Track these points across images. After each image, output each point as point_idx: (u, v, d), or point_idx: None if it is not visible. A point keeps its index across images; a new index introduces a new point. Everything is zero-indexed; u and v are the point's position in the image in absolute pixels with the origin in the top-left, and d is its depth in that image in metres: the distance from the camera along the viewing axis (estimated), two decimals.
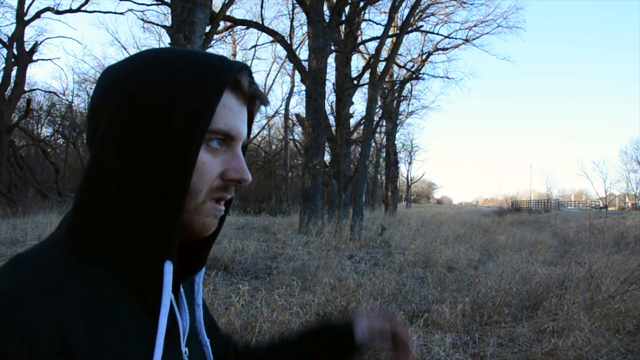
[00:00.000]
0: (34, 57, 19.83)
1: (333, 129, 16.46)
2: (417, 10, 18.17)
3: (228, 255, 6.91)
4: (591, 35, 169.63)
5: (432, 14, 21.54)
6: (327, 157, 15.82)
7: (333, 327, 0.88)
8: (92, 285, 0.52)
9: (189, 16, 7.07)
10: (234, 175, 0.62)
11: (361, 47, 21.33)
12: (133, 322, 0.55)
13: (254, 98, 0.66)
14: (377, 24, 22.33)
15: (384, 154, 29.66)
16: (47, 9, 19.44)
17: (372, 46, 22.18)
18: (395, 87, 24.08)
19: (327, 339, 0.87)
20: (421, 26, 21.28)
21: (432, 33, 21.97)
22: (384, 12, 18.94)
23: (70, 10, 19.80)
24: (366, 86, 16.07)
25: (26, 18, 19.05)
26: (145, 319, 0.56)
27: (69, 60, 73.45)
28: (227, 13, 13.30)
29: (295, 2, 14.91)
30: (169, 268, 0.57)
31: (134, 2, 17.38)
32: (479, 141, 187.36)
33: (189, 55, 0.60)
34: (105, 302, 0.53)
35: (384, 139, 29.24)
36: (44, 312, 0.46)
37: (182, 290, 0.68)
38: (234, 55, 29.67)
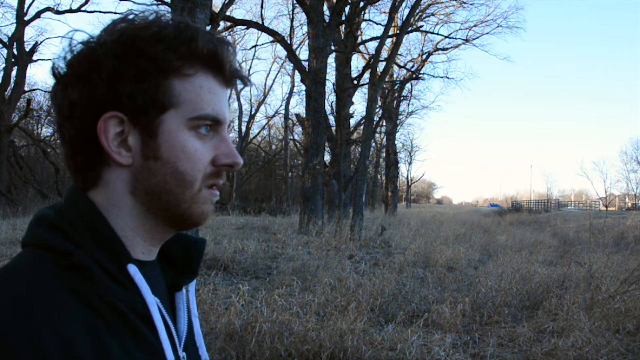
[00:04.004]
0: (34, 57, 19.79)
1: (333, 129, 16.43)
2: (417, 10, 18.15)
3: (228, 255, 6.89)
4: (591, 35, 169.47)
5: (432, 14, 21.56)
6: (327, 157, 15.80)
7: None
8: (81, 297, 0.51)
9: (189, 16, 7.07)
10: (225, 161, 0.62)
11: (361, 47, 21.31)
12: (126, 329, 0.54)
13: (234, 79, 0.64)
14: (377, 24, 22.33)
15: (384, 154, 29.66)
16: (47, 9, 19.40)
17: (372, 46, 22.16)
18: (395, 87, 24.07)
19: None
20: (421, 26, 21.29)
21: (432, 33, 21.99)
22: (384, 12, 18.93)
23: (70, 10, 19.76)
24: (366, 86, 16.08)
25: (26, 18, 19.02)
26: (138, 324, 0.56)
27: None
28: (227, 13, 13.29)
29: (295, 2, 14.91)
30: (133, 270, 0.56)
31: (134, 2, 17.35)
32: (479, 141, 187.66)
33: None
34: (95, 311, 0.52)
35: (384, 139, 29.23)
36: (46, 325, 0.47)
37: (180, 297, 0.68)
38: None
